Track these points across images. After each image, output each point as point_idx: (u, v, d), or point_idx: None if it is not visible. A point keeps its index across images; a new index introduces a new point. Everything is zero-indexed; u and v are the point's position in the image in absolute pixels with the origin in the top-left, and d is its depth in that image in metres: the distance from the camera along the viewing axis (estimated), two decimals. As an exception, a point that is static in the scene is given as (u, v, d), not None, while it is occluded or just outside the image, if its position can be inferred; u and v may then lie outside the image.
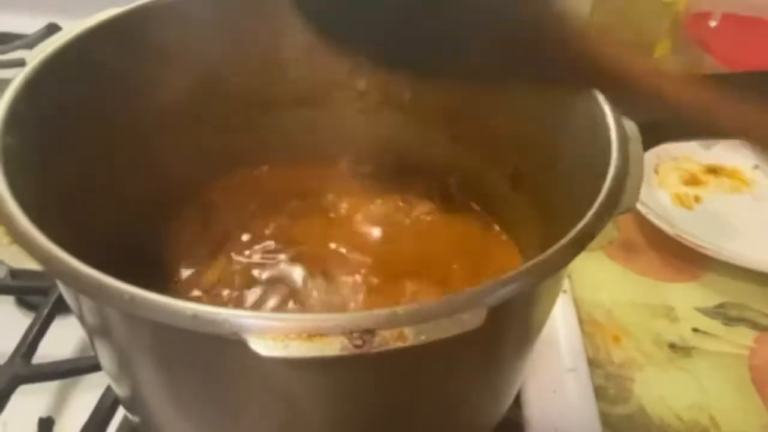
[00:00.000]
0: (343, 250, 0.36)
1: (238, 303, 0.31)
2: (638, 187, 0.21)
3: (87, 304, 0.19)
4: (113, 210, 0.30)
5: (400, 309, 0.16)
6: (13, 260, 0.17)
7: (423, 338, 0.15)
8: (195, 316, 0.15)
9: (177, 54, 0.32)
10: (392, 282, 0.34)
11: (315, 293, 0.34)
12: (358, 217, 0.39)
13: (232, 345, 0.16)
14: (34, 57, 0.24)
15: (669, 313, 0.47)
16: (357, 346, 0.15)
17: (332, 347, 0.15)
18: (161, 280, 0.33)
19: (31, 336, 0.35)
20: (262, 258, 0.35)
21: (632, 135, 0.24)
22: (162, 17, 0.31)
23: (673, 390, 0.42)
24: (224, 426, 0.21)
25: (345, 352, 0.15)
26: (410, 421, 0.21)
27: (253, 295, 0.32)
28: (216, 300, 0.32)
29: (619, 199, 0.20)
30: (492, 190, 0.36)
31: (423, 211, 0.39)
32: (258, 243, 0.36)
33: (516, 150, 0.34)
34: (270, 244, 0.36)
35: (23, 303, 0.42)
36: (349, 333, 0.15)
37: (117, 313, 0.17)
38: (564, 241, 0.18)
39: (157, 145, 0.32)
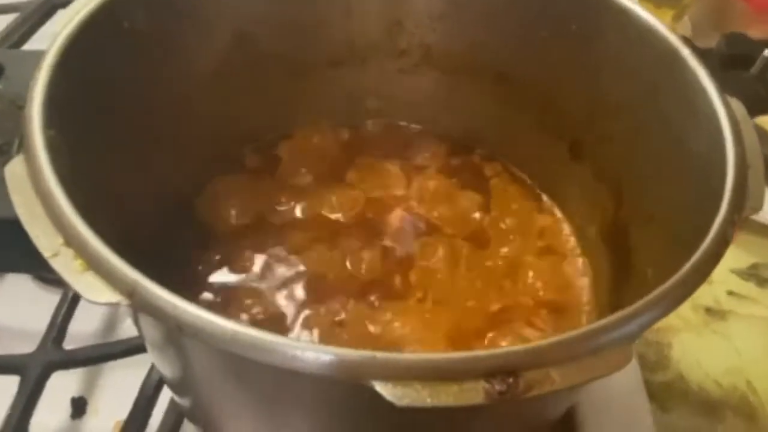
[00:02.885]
0: (371, 216, 0.34)
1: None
2: (762, 183, 0.19)
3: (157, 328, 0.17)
4: (148, 186, 0.28)
5: (543, 344, 0.14)
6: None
7: (570, 380, 0.14)
8: (317, 360, 0.13)
9: (210, 16, 0.28)
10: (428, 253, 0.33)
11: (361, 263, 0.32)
12: (397, 183, 0.37)
13: (351, 387, 0.14)
14: (59, 32, 0.21)
15: (704, 275, 0.47)
16: (501, 393, 0.13)
17: (473, 395, 0.13)
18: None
19: (59, 319, 0.33)
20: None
21: (742, 116, 0.21)
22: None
23: (710, 355, 0.42)
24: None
25: (488, 400, 0.13)
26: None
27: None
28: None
29: (746, 198, 0.18)
30: (546, 158, 0.34)
31: (464, 178, 0.37)
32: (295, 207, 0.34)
33: (581, 115, 0.31)
34: (304, 207, 0.34)
35: (40, 277, 0.40)
36: (489, 376, 0.13)
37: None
38: (695, 258, 0.16)
39: (193, 112, 0.29)
